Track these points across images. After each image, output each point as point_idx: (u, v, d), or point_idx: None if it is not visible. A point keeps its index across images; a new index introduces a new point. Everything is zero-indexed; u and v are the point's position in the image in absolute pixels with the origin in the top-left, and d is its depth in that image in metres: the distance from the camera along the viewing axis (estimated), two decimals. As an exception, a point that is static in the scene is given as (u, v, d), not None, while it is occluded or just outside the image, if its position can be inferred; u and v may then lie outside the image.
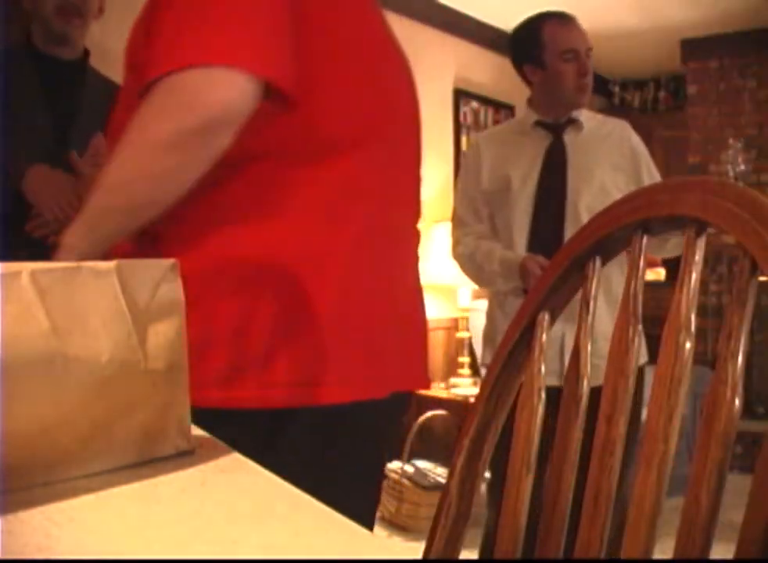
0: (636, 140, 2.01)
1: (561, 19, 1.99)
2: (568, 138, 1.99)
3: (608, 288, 1.81)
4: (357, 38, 0.97)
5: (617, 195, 1.90)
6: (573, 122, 1.99)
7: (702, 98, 4.32)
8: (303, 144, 0.92)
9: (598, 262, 0.70)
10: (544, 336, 0.74)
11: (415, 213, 1.12)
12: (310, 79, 0.89)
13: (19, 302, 0.54)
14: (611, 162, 1.95)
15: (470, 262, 2.06)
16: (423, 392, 3.30)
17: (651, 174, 1.97)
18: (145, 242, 0.95)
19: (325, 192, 0.93)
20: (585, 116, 2.02)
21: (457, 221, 2.12)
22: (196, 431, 0.70)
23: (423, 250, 3.56)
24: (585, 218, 1.89)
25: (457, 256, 2.10)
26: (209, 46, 0.81)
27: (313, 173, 0.92)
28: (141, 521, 0.49)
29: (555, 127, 2.00)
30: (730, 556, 0.48)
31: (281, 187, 0.92)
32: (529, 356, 0.75)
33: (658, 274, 4.44)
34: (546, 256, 1.91)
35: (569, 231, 1.92)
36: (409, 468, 3.10)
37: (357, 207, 0.96)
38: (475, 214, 2.07)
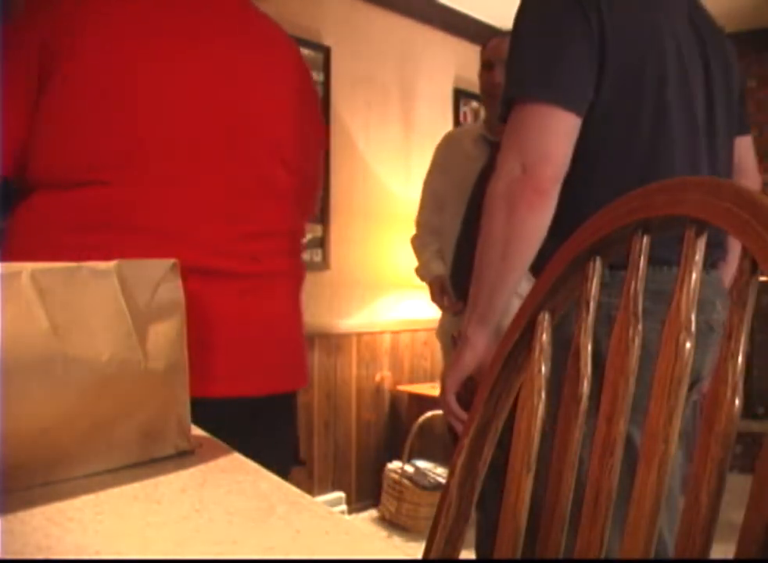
0: None
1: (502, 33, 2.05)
2: None
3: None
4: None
5: None
6: None
7: (702, 98, 4.32)
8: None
9: (598, 262, 0.70)
10: (544, 336, 0.74)
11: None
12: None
13: (19, 302, 0.54)
14: None
15: (414, 250, 2.30)
16: (423, 392, 3.31)
17: None
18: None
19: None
20: None
21: (419, 207, 2.33)
22: (196, 431, 0.70)
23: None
24: None
25: (411, 241, 2.34)
26: None
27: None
28: (141, 521, 0.49)
29: (493, 144, 1.96)
30: (730, 556, 0.48)
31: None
32: (529, 356, 0.75)
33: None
34: (466, 277, 1.94)
35: None
36: (409, 468, 3.10)
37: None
38: (433, 205, 2.24)
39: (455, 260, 2.03)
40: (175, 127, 1.03)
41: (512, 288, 1.05)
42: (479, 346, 1.06)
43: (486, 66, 2.01)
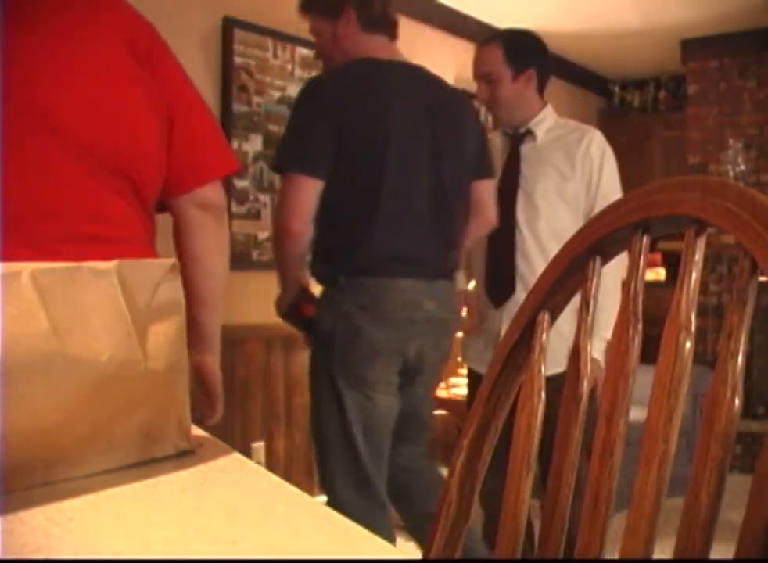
0: (595, 149, 2.05)
1: (479, 45, 2.21)
2: (525, 148, 2.10)
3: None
4: None
5: (560, 203, 2.04)
6: (530, 133, 2.10)
7: (702, 98, 4.32)
8: None
9: (598, 262, 0.70)
10: (544, 336, 0.74)
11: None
12: None
13: (19, 302, 0.54)
14: (559, 170, 2.04)
15: None
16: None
17: (599, 184, 2.03)
18: None
19: None
20: (549, 125, 2.11)
21: None
22: (196, 431, 0.70)
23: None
24: (522, 222, 2.05)
25: None
26: None
27: None
28: (141, 521, 0.49)
29: (514, 138, 2.12)
30: (730, 556, 0.48)
31: None
32: (528, 356, 0.75)
33: (658, 274, 4.44)
34: (499, 257, 2.10)
35: (519, 235, 2.07)
36: (409, 468, 3.10)
37: None
38: None
39: (488, 267, 2.12)
40: None
41: (292, 278, 1.75)
42: (287, 298, 1.78)
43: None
